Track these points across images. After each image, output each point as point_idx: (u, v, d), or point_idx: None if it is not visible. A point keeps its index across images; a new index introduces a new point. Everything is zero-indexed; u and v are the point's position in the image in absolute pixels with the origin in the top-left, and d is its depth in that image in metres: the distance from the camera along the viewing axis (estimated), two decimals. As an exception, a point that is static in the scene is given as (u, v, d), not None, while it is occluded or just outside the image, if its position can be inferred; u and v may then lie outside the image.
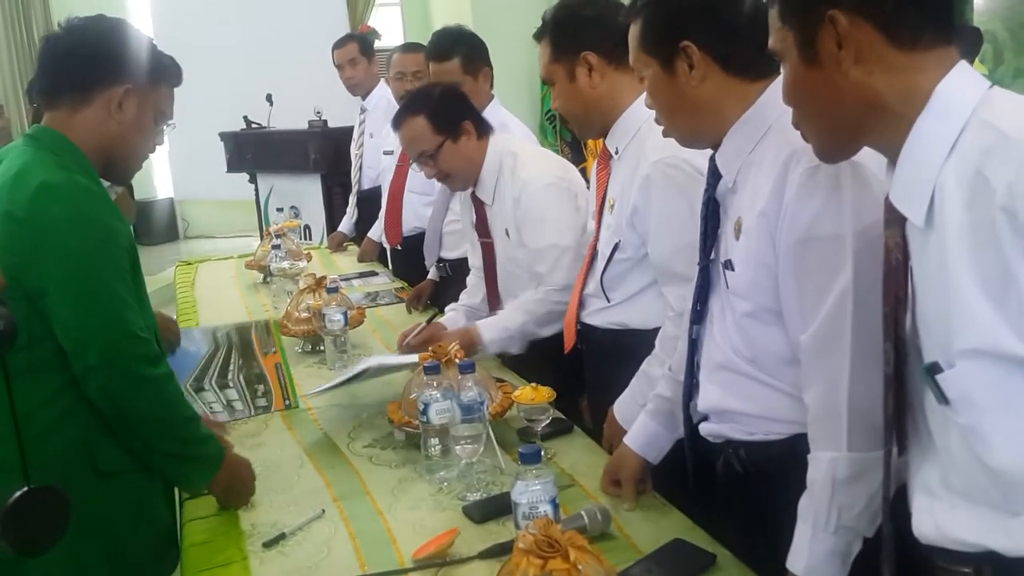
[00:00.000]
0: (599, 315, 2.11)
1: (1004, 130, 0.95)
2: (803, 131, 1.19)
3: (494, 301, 2.68)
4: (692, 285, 1.66)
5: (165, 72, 1.82)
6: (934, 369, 1.01)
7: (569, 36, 2.01)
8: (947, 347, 0.99)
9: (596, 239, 2.11)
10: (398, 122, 2.61)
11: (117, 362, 1.61)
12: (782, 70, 1.17)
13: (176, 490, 1.90)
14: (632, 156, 1.97)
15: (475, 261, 2.82)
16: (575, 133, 2.16)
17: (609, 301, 2.07)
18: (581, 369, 2.25)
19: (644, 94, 1.96)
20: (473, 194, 2.66)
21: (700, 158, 1.76)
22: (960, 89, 1.03)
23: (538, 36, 2.10)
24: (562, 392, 1.89)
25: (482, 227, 2.68)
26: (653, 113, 1.87)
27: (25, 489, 1.09)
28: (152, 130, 1.81)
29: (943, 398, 1.01)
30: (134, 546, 1.73)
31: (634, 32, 1.55)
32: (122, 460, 1.70)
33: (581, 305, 2.16)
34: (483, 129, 2.58)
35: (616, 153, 2.03)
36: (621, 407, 1.97)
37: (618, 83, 1.99)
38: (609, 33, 1.97)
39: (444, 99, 2.59)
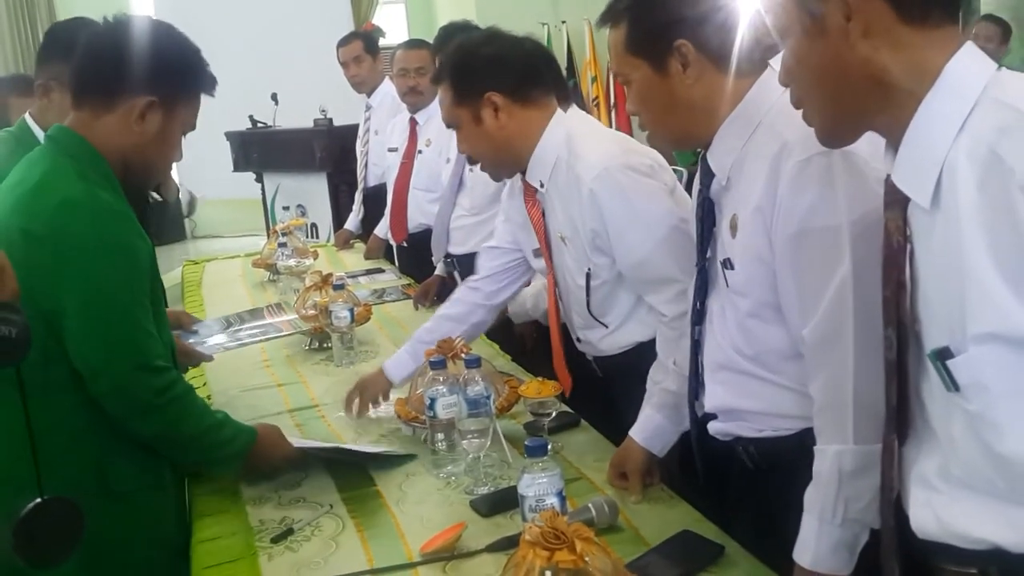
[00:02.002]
0: (605, 343, 2.08)
1: (1022, 109, 0.93)
2: (805, 112, 1.16)
3: None
4: (676, 285, 1.66)
5: (201, 82, 1.75)
6: (944, 354, 0.98)
7: (471, 78, 1.97)
8: (957, 331, 0.96)
9: (553, 275, 2.10)
10: None
11: (129, 392, 1.60)
12: (783, 48, 1.15)
13: (187, 503, 1.90)
14: (564, 184, 1.96)
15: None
16: (489, 175, 2.12)
17: (607, 327, 2.05)
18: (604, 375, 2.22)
19: (553, 123, 1.98)
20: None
21: (636, 156, 1.82)
22: (970, 68, 1.01)
23: (436, 80, 2.07)
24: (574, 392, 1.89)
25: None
26: (567, 139, 1.90)
27: (38, 501, 1.08)
28: (177, 142, 1.75)
29: (953, 384, 0.98)
30: (143, 564, 1.71)
31: (617, 35, 1.52)
32: (135, 479, 1.68)
33: (580, 342, 2.14)
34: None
35: (542, 186, 2.02)
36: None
37: (525, 119, 1.97)
38: (511, 71, 1.97)
39: None
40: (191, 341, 2.57)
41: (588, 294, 2.01)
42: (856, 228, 1.26)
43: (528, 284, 2.48)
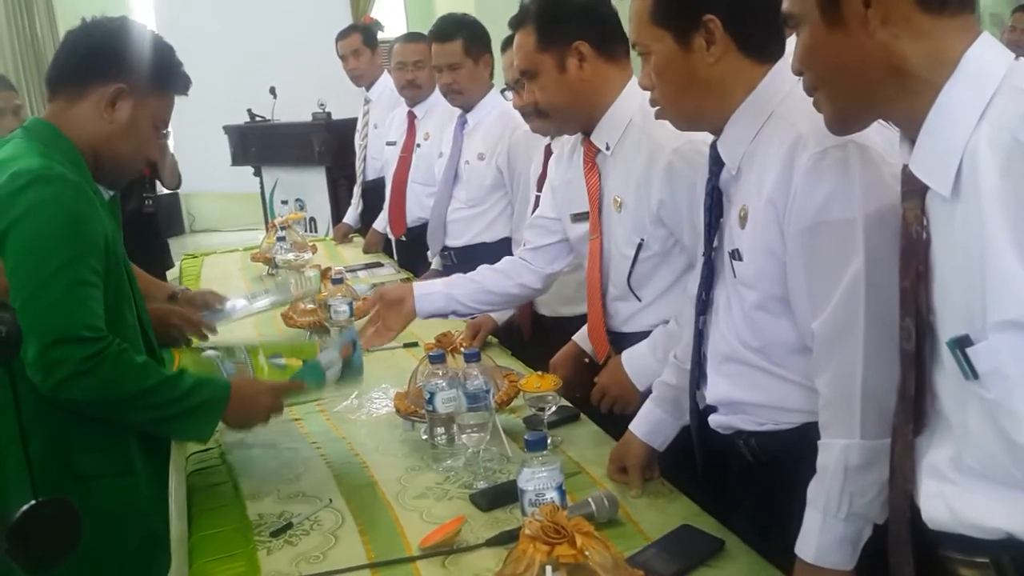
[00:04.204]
0: (632, 320, 2.05)
1: None
2: (818, 99, 1.16)
3: None
4: None
5: (172, 79, 1.78)
6: (964, 342, 0.98)
7: (560, 24, 1.94)
8: (976, 319, 0.96)
9: (600, 242, 2.05)
10: (509, 44, 2.58)
11: (53, 360, 1.53)
12: (797, 35, 1.14)
13: (172, 489, 1.89)
14: (635, 150, 1.93)
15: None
16: (552, 130, 2.10)
17: (640, 300, 2.02)
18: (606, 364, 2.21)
19: (630, 85, 1.93)
20: (548, 147, 2.65)
21: None
22: (989, 57, 1.01)
23: (517, 24, 2.02)
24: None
25: (543, 181, 2.65)
26: (642, 104, 1.79)
27: (32, 503, 1.06)
28: (149, 137, 1.76)
29: (972, 372, 0.98)
30: (113, 552, 1.66)
31: (642, 4, 1.49)
32: (101, 463, 1.65)
33: (607, 313, 2.10)
34: None
35: (607, 148, 1.99)
36: (633, 357, 1.95)
37: (606, 75, 1.94)
38: (601, 23, 1.93)
39: None
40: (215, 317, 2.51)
41: (633, 265, 1.98)
42: (871, 222, 1.25)
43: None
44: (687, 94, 1.49)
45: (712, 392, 1.57)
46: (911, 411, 1.11)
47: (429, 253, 3.45)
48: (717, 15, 1.41)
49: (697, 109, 1.50)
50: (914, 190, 1.06)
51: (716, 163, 1.51)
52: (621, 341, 2.09)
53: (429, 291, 2.23)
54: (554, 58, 1.95)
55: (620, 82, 1.96)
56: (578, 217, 2.13)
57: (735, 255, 1.46)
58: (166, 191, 4.55)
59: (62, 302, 1.56)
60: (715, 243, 1.52)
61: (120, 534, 1.68)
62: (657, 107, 1.55)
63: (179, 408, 1.69)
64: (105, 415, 1.64)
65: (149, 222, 4.44)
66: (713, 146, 1.51)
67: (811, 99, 1.18)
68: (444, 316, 2.31)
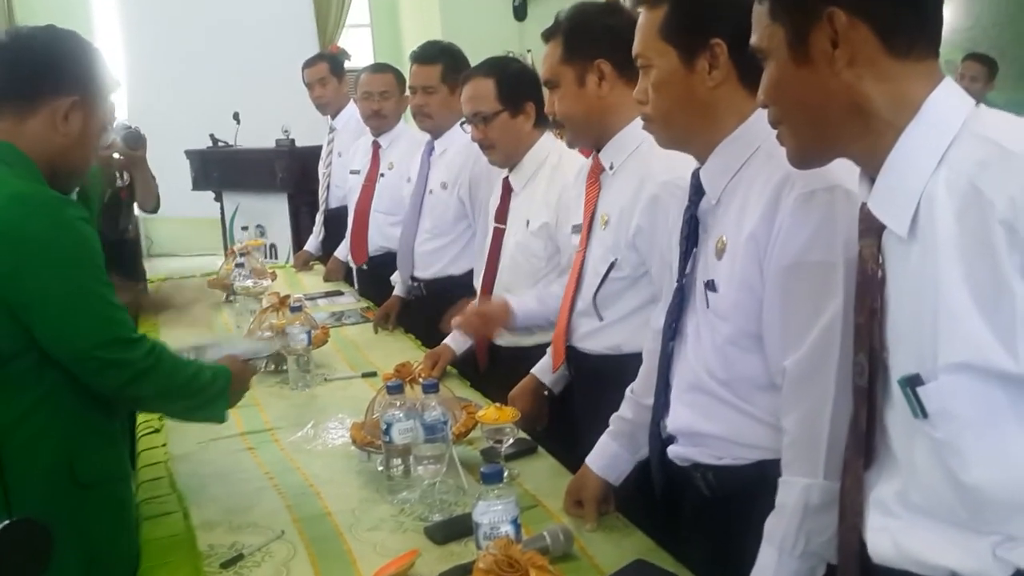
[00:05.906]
0: (591, 338, 2.07)
1: (1004, 144, 0.95)
2: (781, 132, 1.18)
3: (488, 286, 2.66)
4: None
5: (109, 81, 1.81)
6: (914, 381, 0.99)
7: (586, 41, 1.99)
8: (927, 359, 0.98)
9: (583, 255, 2.09)
10: (467, 78, 2.64)
11: (120, 365, 1.64)
12: (765, 69, 1.16)
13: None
14: (631, 173, 1.96)
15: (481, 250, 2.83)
16: (567, 140, 2.17)
17: (602, 319, 2.04)
18: (563, 395, 2.24)
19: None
20: (506, 179, 2.66)
21: None
22: (950, 102, 1.04)
23: (548, 35, 2.08)
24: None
25: (501, 213, 2.67)
26: None
27: (6, 523, 1.06)
28: (97, 142, 1.80)
29: (922, 411, 0.99)
30: (115, 555, 1.71)
31: (652, 18, 1.49)
32: (102, 470, 1.70)
33: (570, 326, 2.12)
34: (542, 120, 2.56)
35: (611, 168, 2.03)
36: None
37: (624, 97, 1.92)
38: (626, 46, 1.97)
39: (519, 75, 2.62)
40: None
41: (602, 283, 2.01)
42: (851, 266, 1.25)
43: None
44: (681, 113, 1.50)
45: (674, 421, 1.56)
46: (863, 445, 1.13)
47: (393, 278, 3.42)
48: (724, 40, 1.43)
49: (687, 130, 1.51)
50: (871, 228, 1.09)
51: (697, 192, 1.51)
52: (576, 357, 2.12)
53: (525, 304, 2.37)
54: (575, 72, 2.01)
55: (637, 105, 1.98)
56: (576, 229, 2.18)
57: (710, 285, 1.46)
58: (143, 214, 4.44)
59: (110, 313, 1.66)
60: (688, 270, 1.53)
61: (124, 536, 1.74)
62: (645, 121, 1.56)
63: (208, 393, 1.83)
64: (152, 407, 1.80)
65: (128, 246, 4.36)
66: (695, 174, 1.52)
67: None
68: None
